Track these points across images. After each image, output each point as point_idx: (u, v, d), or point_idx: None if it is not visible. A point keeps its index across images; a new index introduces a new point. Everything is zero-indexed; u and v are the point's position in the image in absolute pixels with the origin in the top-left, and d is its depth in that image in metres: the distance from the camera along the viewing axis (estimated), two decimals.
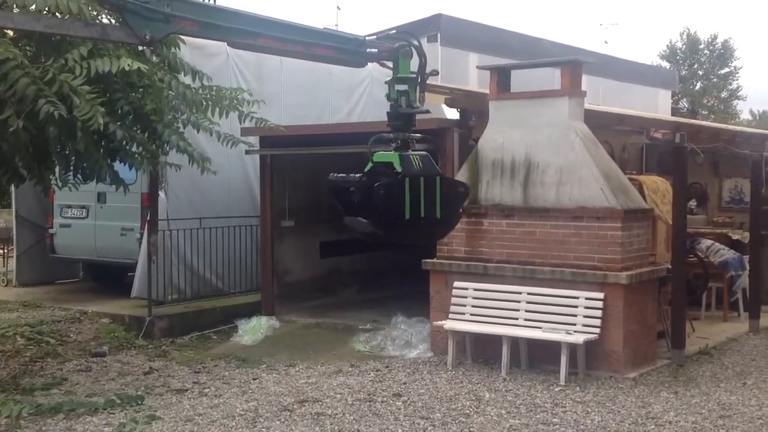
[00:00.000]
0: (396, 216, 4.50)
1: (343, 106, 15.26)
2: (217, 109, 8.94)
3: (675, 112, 26.96)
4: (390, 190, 4.51)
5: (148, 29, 4.50)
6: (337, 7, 47.80)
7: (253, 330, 11.74)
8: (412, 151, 4.67)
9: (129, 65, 7.43)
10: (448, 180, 4.65)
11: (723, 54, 51.24)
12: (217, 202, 13.03)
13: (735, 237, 13.54)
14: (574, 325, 9.24)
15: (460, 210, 4.76)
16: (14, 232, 14.61)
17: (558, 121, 9.80)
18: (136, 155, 8.86)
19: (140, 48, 7.91)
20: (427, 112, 4.86)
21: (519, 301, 9.66)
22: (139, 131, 8.54)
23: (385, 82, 4.80)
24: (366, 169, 4.65)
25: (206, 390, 8.92)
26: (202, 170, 9.08)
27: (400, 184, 4.49)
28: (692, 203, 14.37)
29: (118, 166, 8.88)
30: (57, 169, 8.91)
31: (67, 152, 8.47)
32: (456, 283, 10.11)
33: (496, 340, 9.51)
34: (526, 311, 9.58)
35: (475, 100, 11.16)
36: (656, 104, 25.19)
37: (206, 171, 9.10)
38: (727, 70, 51.43)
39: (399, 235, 4.75)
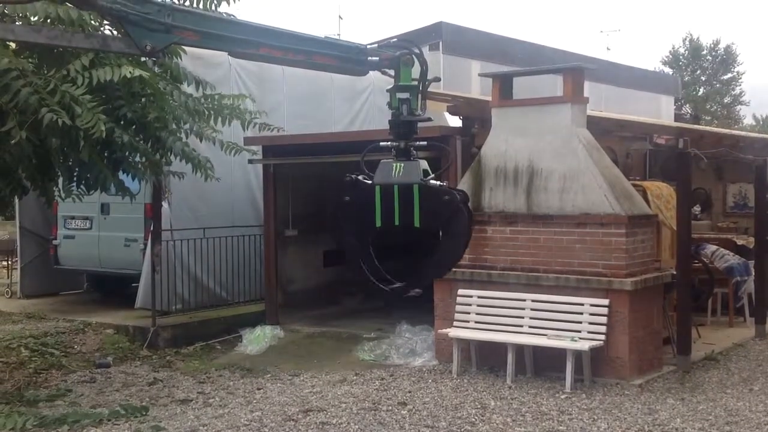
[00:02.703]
0: (369, 225, 4.42)
1: (346, 114, 15.26)
2: (220, 118, 8.94)
3: (678, 117, 26.91)
4: (357, 199, 4.49)
5: (149, 40, 4.47)
6: (339, 17, 48.14)
7: (257, 339, 11.71)
8: (414, 158, 4.64)
9: (131, 72, 7.44)
10: (431, 188, 4.52)
11: (726, 59, 51.20)
12: (221, 212, 13.03)
13: (740, 242, 13.51)
14: (579, 332, 9.21)
15: (466, 220, 4.60)
16: (18, 243, 14.62)
17: (561, 128, 9.78)
18: (139, 165, 8.87)
19: (142, 58, 7.92)
20: (429, 119, 4.82)
21: (523, 308, 9.63)
22: (141, 141, 8.54)
23: (387, 90, 4.77)
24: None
25: (211, 400, 8.90)
26: (206, 177, 9.07)
27: (369, 193, 4.47)
28: (696, 209, 14.34)
29: (121, 176, 8.89)
30: (60, 180, 8.91)
31: (70, 163, 8.48)
32: (460, 291, 10.08)
33: (501, 347, 9.48)
34: (531, 318, 9.56)
35: (477, 108, 11.16)
36: (659, 110, 25.19)
37: (209, 178, 9.08)
38: (729, 75, 51.41)
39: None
